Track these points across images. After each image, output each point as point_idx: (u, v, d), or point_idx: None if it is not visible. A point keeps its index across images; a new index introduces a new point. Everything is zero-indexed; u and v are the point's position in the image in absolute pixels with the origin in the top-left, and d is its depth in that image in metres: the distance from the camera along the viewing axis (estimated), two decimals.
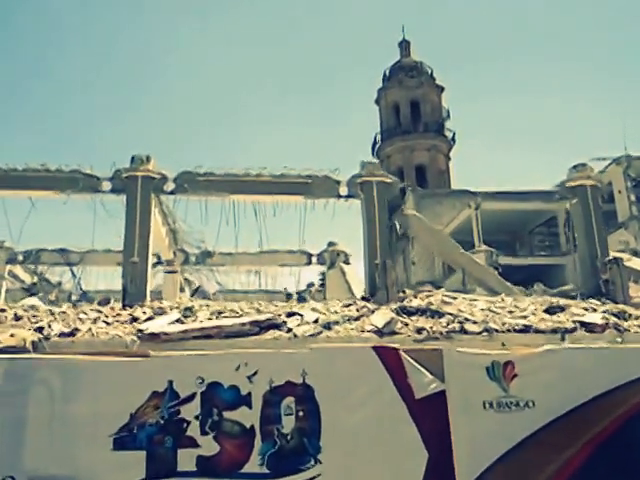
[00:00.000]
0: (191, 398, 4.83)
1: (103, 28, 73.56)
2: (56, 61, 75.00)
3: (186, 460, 4.76)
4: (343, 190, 8.96)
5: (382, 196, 8.80)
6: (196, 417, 4.84)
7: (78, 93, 77.04)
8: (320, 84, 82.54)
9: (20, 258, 12.39)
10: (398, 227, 20.19)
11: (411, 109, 41.96)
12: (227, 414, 4.89)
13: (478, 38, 77.28)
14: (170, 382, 4.86)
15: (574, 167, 9.39)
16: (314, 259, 14.09)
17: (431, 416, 4.97)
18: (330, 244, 13.72)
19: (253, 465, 4.77)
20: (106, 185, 8.49)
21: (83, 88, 76.52)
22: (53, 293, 13.07)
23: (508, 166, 65.75)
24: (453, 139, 42.34)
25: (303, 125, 79.24)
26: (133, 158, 8.47)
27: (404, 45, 45.03)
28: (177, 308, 7.20)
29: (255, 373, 4.97)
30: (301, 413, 4.92)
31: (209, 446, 4.83)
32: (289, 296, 18.09)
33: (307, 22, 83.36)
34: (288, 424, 4.92)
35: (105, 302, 9.40)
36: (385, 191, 8.85)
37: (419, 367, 5.07)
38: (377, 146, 42.57)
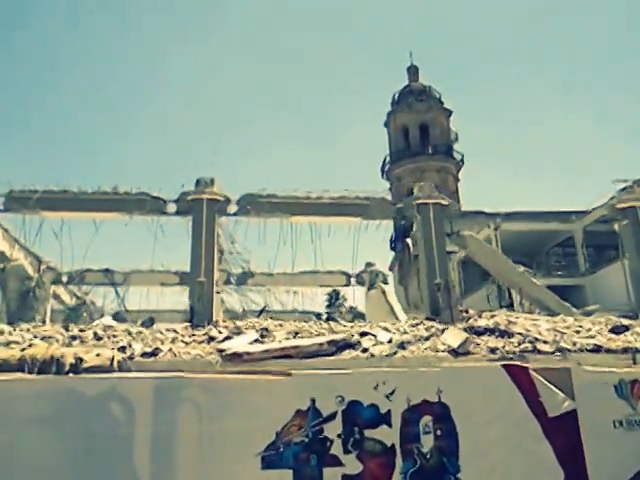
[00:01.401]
0: (333, 416, 4.92)
1: (102, 46, 74.65)
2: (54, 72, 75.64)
3: (331, 479, 4.84)
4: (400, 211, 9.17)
5: (438, 217, 8.99)
6: (338, 435, 4.94)
7: (74, 113, 77.50)
8: (324, 105, 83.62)
9: (65, 279, 12.49)
10: (412, 247, 20.34)
11: (420, 132, 42.63)
12: (368, 432, 4.98)
13: (481, 61, 78.55)
14: (313, 400, 4.95)
15: (622, 189, 9.63)
16: (353, 280, 14.19)
17: (564, 434, 5.08)
18: (368, 264, 13.85)
19: None
20: (171, 207, 8.67)
21: (78, 110, 77.21)
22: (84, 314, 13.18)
23: (513, 186, 66.28)
24: (462, 160, 42.96)
25: (306, 144, 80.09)
26: (198, 181, 8.68)
27: (412, 70, 45.91)
28: (253, 328, 7.31)
29: (393, 392, 5.07)
30: (439, 432, 5.03)
31: (353, 465, 4.90)
32: (318, 317, 18.17)
33: (315, 44, 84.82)
34: (427, 443, 5.00)
35: (150, 323, 9.53)
36: (441, 212, 9.04)
37: (550, 386, 5.19)
38: (387, 168, 43.17)
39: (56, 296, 13.02)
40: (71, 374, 6.11)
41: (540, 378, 5.26)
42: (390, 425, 5.02)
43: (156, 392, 4.86)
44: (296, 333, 7.13)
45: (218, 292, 12.88)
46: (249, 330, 7.21)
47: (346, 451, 4.93)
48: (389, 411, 5.04)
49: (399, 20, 78.60)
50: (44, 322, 10.14)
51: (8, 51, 71.22)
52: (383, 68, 78.44)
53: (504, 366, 5.53)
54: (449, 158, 42.17)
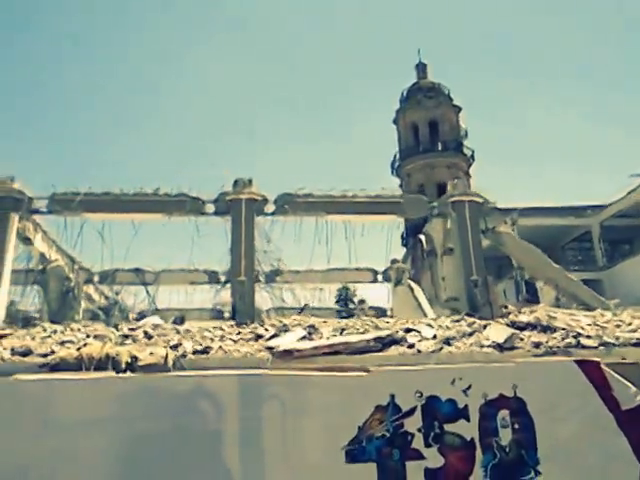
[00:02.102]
0: (412, 411, 5.05)
1: (105, 40, 74.29)
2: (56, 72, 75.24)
3: (414, 472, 4.98)
4: (435, 209, 9.26)
5: (474, 215, 9.07)
6: (419, 430, 5.07)
7: (76, 109, 77.10)
8: (328, 103, 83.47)
9: (96, 279, 12.63)
10: (425, 243, 20.33)
11: (430, 128, 42.62)
12: (447, 427, 5.13)
13: (485, 58, 78.21)
14: (392, 396, 5.08)
15: None
16: (379, 276, 14.27)
17: (638, 427, 5.17)
18: (393, 261, 13.92)
19: (477, 477, 5.01)
20: (209, 207, 8.79)
21: (82, 105, 76.99)
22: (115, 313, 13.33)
23: (521, 182, 66.13)
24: (472, 157, 42.92)
25: (310, 143, 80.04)
26: (236, 181, 8.79)
27: (421, 67, 45.88)
28: (299, 325, 7.42)
29: (469, 387, 5.20)
30: (516, 425, 5.16)
31: (434, 458, 5.04)
32: (340, 313, 18.26)
33: (316, 42, 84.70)
34: (505, 436, 5.14)
35: (180, 321, 9.65)
36: (476, 210, 9.11)
37: (622, 379, 5.29)
38: (397, 165, 43.21)
39: (87, 296, 13.18)
40: (128, 372, 6.29)
41: (611, 372, 5.36)
42: (468, 419, 5.14)
43: (241, 388, 4.98)
44: (342, 330, 7.23)
45: None
46: (295, 327, 7.32)
47: (427, 445, 5.06)
48: (466, 406, 5.16)
49: (401, 18, 78.40)
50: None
51: (9, 51, 70.98)
52: (384, 66, 78.25)
53: (576, 361, 5.62)
54: (459, 154, 42.08)
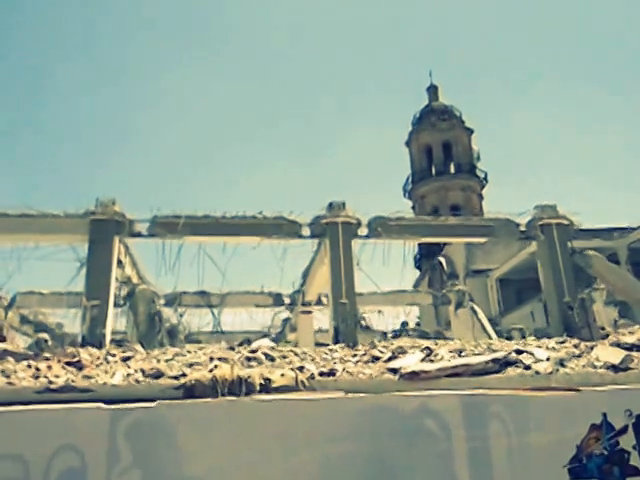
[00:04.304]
0: (625, 430, 5.15)
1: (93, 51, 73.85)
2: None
3: None
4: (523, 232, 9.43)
5: (562, 236, 9.24)
6: (633, 447, 5.17)
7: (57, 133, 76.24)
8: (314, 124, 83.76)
9: (162, 301, 12.68)
10: (445, 266, 20.37)
11: (443, 151, 43.25)
12: None
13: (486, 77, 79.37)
14: (604, 415, 5.20)
15: None
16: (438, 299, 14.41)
17: None
18: (452, 284, 14.07)
19: None
20: (305, 231, 8.92)
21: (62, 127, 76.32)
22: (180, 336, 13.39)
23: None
24: (485, 178, 43.48)
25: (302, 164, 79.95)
26: (330, 204, 8.94)
27: (432, 90, 46.75)
28: (416, 347, 7.50)
29: None
30: None
31: None
32: (385, 335, 18.30)
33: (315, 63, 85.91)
34: None
35: (247, 343, 9.71)
36: (564, 232, 9.29)
37: None
38: (409, 187, 43.61)
39: None
40: (262, 394, 6.34)
41: None
42: None
43: (464, 408, 5.06)
44: (460, 351, 7.32)
45: (309, 312, 13.11)
46: (413, 349, 7.40)
47: None
48: None
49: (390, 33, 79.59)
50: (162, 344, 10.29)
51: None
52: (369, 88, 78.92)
53: None
54: (473, 177, 42.62)
